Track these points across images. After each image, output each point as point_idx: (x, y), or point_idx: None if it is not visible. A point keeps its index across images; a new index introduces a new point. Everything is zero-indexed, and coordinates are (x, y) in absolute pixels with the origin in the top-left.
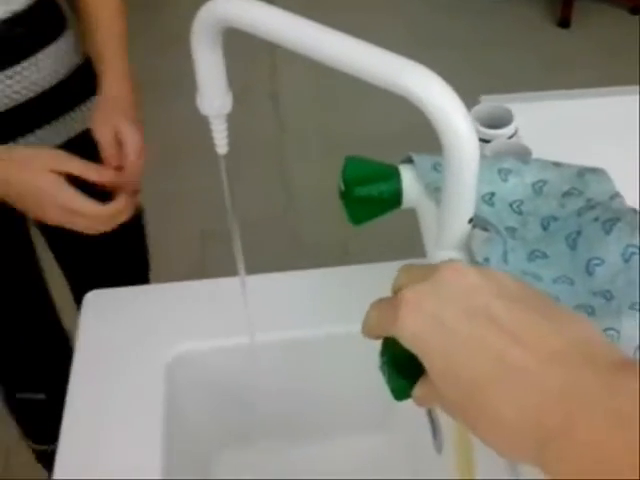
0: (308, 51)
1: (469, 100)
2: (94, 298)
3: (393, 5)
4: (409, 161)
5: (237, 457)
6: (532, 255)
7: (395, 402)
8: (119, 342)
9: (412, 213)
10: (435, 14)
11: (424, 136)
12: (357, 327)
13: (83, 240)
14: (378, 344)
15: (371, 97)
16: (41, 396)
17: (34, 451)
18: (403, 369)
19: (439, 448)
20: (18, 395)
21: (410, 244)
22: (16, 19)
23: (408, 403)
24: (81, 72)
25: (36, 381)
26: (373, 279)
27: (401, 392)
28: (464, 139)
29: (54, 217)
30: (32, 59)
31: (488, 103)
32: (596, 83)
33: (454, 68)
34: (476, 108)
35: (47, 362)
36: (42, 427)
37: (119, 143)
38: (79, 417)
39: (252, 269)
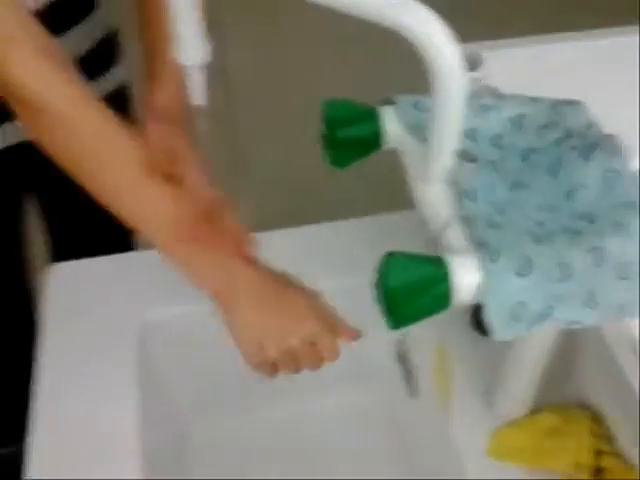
0: None
1: None
2: (58, 271)
3: None
4: (388, 102)
5: (214, 421)
6: (514, 185)
7: (366, 354)
8: (87, 312)
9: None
10: None
11: None
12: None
13: (75, 205)
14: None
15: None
16: None
17: None
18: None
19: (413, 392)
20: None
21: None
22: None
23: (379, 355)
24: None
25: None
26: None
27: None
28: (453, 68)
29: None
30: None
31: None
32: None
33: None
34: None
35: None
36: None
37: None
38: (50, 390)
39: None
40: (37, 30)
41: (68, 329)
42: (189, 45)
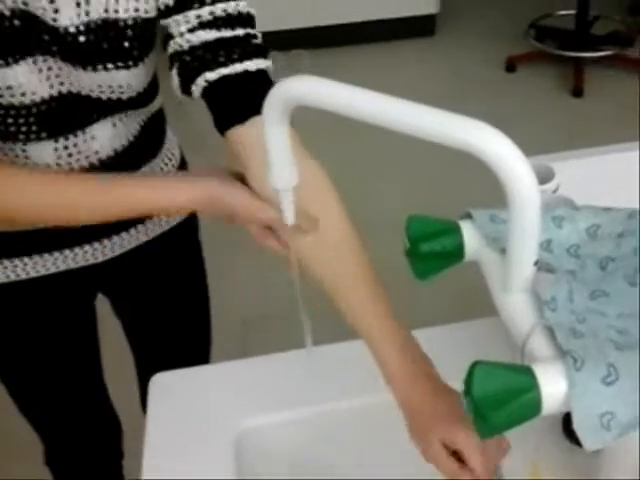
0: (377, 120)
1: None
2: (160, 380)
3: (408, 86)
4: (466, 217)
5: None
6: (594, 294)
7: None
8: (187, 420)
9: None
10: (451, 89)
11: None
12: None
13: (151, 311)
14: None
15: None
16: None
17: None
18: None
19: None
20: None
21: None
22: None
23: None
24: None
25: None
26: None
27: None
28: (527, 185)
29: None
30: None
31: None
32: None
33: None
34: None
35: (96, 449)
36: None
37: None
38: None
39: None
40: None
41: (170, 435)
42: (281, 171)
